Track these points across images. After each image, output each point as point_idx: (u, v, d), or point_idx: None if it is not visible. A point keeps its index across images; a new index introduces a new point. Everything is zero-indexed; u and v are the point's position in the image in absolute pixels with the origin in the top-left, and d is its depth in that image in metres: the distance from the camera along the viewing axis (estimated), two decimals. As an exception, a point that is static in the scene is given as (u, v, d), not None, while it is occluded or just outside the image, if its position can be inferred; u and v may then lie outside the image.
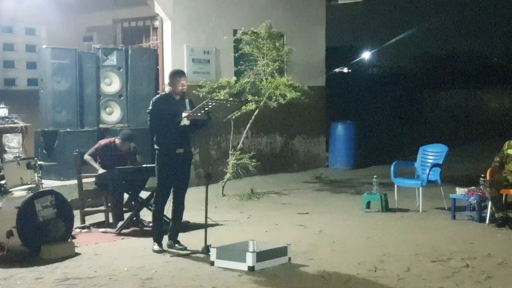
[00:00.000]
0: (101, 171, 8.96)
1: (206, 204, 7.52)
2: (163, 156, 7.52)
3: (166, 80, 8.14)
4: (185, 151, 7.62)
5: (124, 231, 8.64)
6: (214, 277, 6.54)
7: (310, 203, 11.09)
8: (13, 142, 10.38)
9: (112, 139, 9.35)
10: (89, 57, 11.91)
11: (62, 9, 13.26)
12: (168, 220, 7.90)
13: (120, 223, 8.75)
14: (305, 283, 6.38)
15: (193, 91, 11.54)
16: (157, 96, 7.83)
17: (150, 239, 7.72)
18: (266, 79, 12.04)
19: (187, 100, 7.57)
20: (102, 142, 9.33)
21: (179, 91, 7.58)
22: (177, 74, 7.71)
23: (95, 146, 9.22)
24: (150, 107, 7.58)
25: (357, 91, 25.57)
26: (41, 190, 7.56)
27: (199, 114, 7.42)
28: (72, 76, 11.48)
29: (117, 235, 8.50)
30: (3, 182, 7.60)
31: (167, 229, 7.76)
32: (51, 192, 7.56)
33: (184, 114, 7.43)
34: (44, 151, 11.25)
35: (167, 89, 7.79)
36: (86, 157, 9.09)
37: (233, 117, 12.02)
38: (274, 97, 11.98)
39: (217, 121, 8.09)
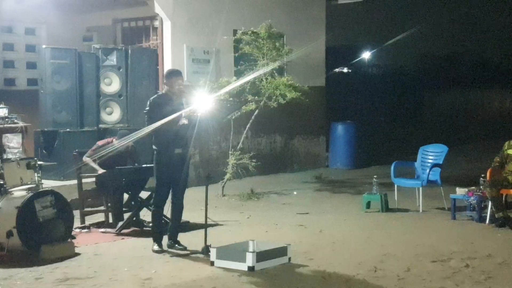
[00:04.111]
0: (101, 171, 8.96)
1: (206, 204, 7.52)
2: (161, 156, 7.52)
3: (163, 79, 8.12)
4: (184, 151, 7.62)
5: (124, 231, 8.64)
6: (214, 277, 6.54)
7: (310, 203, 11.09)
8: (13, 142, 10.37)
9: (109, 139, 9.35)
10: (89, 57, 11.90)
11: (62, 9, 13.25)
12: (168, 220, 7.90)
13: (120, 223, 8.75)
14: (305, 283, 6.38)
15: (193, 91, 11.53)
16: (154, 96, 7.81)
17: (150, 239, 7.72)
18: (266, 79, 12.04)
19: (184, 100, 7.58)
20: (100, 143, 9.33)
21: (176, 91, 7.59)
22: (174, 74, 7.71)
23: (93, 148, 9.21)
24: (147, 108, 7.58)
25: (357, 91, 25.53)
26: (41, 190, 7.56)
27: (198, 115, 7.44)
28: (72, 76, 11.48)
29: (117, 235, 8.50)
30: (2, 182, 7.59)
31: (167, 229, 7.76)
32: (51, 192, 7.56)
33: (182, 114, 7.44)
34: (44, 151, 11.24)
35: (165, 88, 7.78)
36: (85, 159, 9.09)
37: (233, 117, 12.02)
38: (274, 97, 11.97)
39: (217, 121, 8.09)
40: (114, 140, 9.19)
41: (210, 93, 11.45)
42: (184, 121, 7.46)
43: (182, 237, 7.80)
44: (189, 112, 7.46)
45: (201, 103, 7.62)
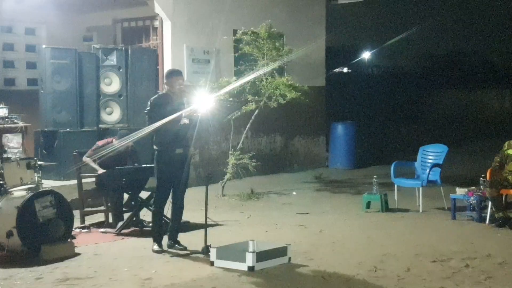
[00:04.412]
0: (101, 171, 8.95)
1: (206, 204, 7.52)
2: (162, 156, 7.52)
3: (163, 80, 8.09)
4: (185, 151, 7.62)
5: (124, 231, 8.64)
6: (214, 277, 6.54)
7: (310, 203, 11.09)
8: (13, 142, 10.36)
9: (109, 139, 9.35)
10: (89, 57, 11.90)
11: (62, 9, 13.26)
12: (168, 220, 7.90)
13: (120, 223, 8.75)
14: (305, 283, 6.38)
15: (194, 91, 11.52)
16: (155, 96, 7.80)
17: (150, 239, 7.72)
18: (266, 79, 12.04)
19: (185, 99, 7.57)
20: (100, 143, 9.33)
21: (177, 91, 7.58)
22: (174, 74, 7.70)
23: (93, 148, 9.21)
24: (148, 108, 7.57)
25: (357, 91, 25.54)
26: (41, 190, 7.56)
27: (198, 115, 7.44)
28: (72, 76, 11.48)
29: (117, 235, 8.50)
30: (2, 182, 7.59)
31: (167, 229, 7.76)
32: (51, 192, 7.55)
33: (183, 113, 7.43)
34: (44, 151, 11.25)
35: (166, 88, 7.77)
36: (85, 159, 9.09)
37: (233, 117, 12.02)
38: (274, 97, 11.97)
39: (217, 121, 8.09)
40: (114, 140, 9.19)
41: (210, 92, 11.47)
42: (186, 120, 7.46)
43: (182, 237, 7.80)
44: (190, 112, 7.46)
45: (202, 102, 7.63)
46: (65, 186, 10.29)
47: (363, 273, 6.63)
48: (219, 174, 12.00)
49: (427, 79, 28.11)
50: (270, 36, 12.10)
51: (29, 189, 7.56)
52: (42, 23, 13.99)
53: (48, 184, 9.51)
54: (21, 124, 10.58)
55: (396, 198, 10.46)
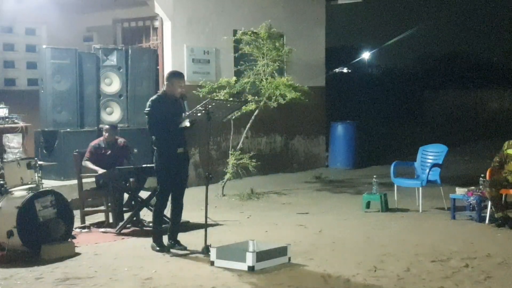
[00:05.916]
0: (100, 171, 8.96)
1: (206, 204, 7.52)
2: (164, 157, 7.51)
3: (164, 81, 8.06)
4: (185, 150, 7.63)
5: (124, 231, 8.64)
6: (214, 277, 6.55)
7: (310, 203, 11.09)
8: (13, 142, 10.38)
9: (101, 138, 9.39)
10: (89, 57, 11.90)
11: (62, 9, 13.25)
12: (168, 220, 7.90)
13: (120, 223, 8.76)
14: (305, 283, 6.38)
15: (193, 91, 11.54)
16: (154, 96, 7.75)
17: (150, 239, 7.73)
18: (266, 79, 12.05)
19: (185, 102, 7.54)
20: (92, 143, 9.35)
21: (178, 93, 7.57)
22: (176, 77, 7.67)
23: (88, 149, 9.23)
24: (148, 108, 7.53)
25: (357, 91, 25.59)
26: (41, 190, 7.57)
27: (198, 114, 7.43)
28: (72, 76, 11.48)
29: (117, 235, 8.51)
30: (2, 181, 7.60)
31: (167, 229, 7.76)
32: (51, 192, 7.56)
33: (184, 116, 7.42)
34: (44, 151, 11.25)
35: (165, 88, 7.72)
36: (84, 162, 9.12)
37: (233, 117, 12.01)
38: (274, 97, 11.98)
39: (217, 121, 8.07)
40: (106, 135, 9.23)
41: (210, 94, 11.49)
42: (186, 123, 7.44)
43: (182, 237, 7.81)
44: (192, 114, 7.41)
45: (201, 105, 7.60)
46: (65, 186, 10.30)
47: (363, 273, 6.64)
48: (219, 174, 12.01)
49: (427, 79, 28.15)
50: (270, 36, 12.12)
51: (29, 189, 7.57)
52: (43, 23, 13.98)
53: (48, 184, 9.53)
54: (21, 124, 10.59)
55: (396, 198, 10.46)
